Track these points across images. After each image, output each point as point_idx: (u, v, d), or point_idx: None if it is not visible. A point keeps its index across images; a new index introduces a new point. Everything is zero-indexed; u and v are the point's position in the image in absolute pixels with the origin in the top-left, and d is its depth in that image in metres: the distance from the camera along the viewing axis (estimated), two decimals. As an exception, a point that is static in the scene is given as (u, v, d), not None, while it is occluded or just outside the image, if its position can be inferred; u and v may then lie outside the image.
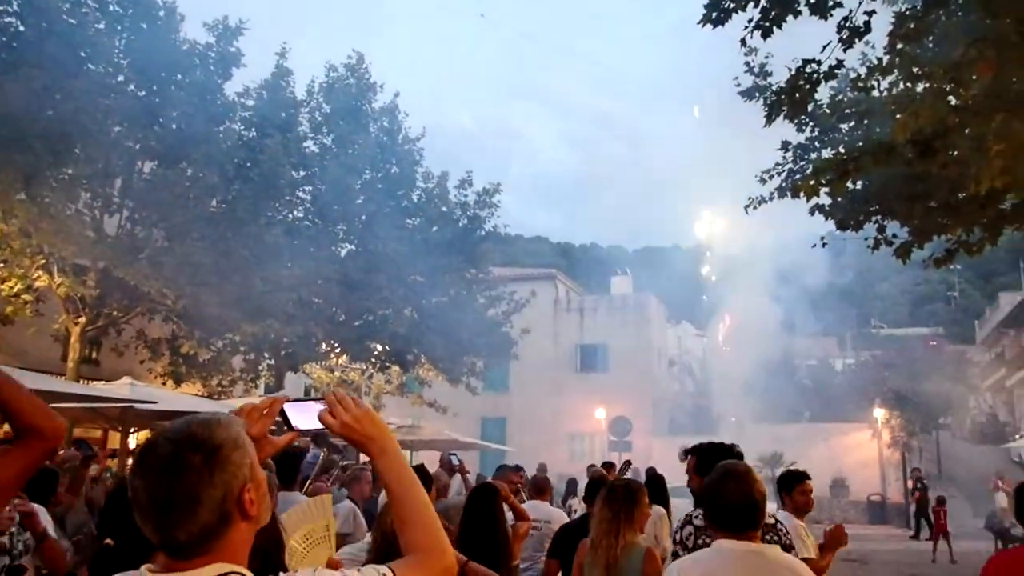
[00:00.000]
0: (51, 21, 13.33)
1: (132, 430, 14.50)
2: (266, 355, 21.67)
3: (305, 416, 1.75)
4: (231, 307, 16.82)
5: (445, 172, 25.07)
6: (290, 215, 21.42)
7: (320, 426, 1.71)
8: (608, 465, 11.95)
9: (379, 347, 23.76)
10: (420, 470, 5.63)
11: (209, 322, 17.52)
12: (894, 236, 11.64)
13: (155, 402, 11.93)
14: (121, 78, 15.74)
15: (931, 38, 8.73)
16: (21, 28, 13.53)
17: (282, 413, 1.77)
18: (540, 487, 7.59)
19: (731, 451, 4.47)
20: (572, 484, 14.08)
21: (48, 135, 13.07)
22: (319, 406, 1.73)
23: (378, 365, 24.46)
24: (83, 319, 16.37)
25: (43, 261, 15.32)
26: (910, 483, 28.54)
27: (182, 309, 17.01)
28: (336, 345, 23.33)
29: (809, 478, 5.64)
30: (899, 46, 8.44)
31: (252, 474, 1.49)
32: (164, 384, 18.70)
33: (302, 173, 21.64)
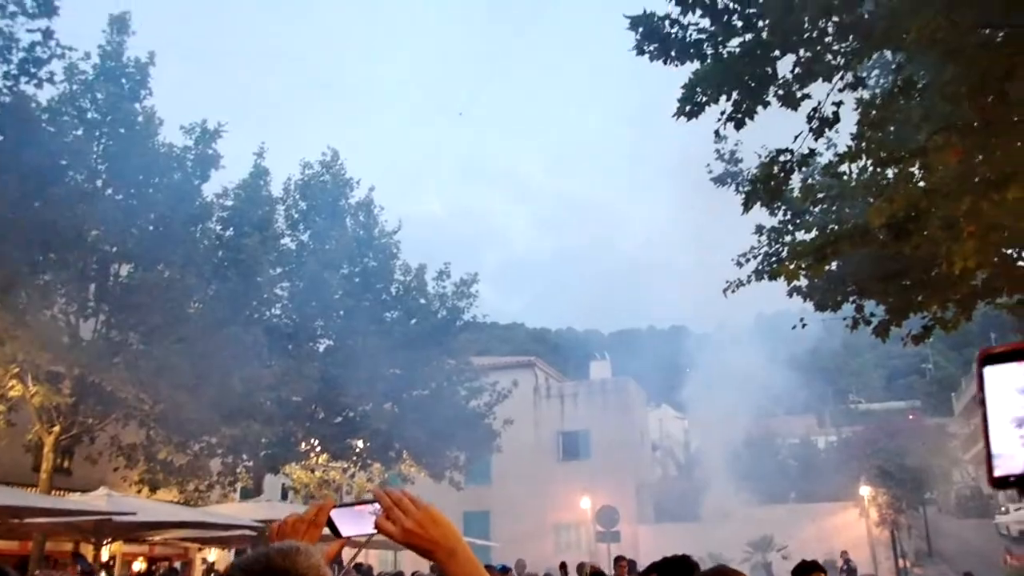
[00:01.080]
0: (30, 130, 13.43)
1: (106, 541, 14.08)
2: (244, 457, 21.23)
3: (354, 522, 1.61)
4: (209, 409, 16.56)
5: (423, 264, 25.23)
6: (268, 312, 21.34)
7: (372, 532, 1.55)
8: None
9: (360, 444, 23.41)
10: None
11: (187, 425, 17.21)
12: (872, 315, 11.82)
13: (134, 513, 11.63)
14: (99, 183, 15.81)
15: (896, 125, 9.02)
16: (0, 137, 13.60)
17: (329, 521, 1.64)
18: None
19: (693, 567, 4.26)
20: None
21: (26, 243, 13.03)
22: (370, 509, 1.56)
23: (359, 463, 24.04)
24: (57, 428, 16.00)
25: (16, 370, 15.05)
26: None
27: (159, 413, 16.71)
28: (316, 444, 22.94)
29: (824, 570, 5.55)
30: (867, 133, 8.70)
31: None
32: (139, 492, 18.22)
33: (279, 270, 21.69)
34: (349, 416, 22.68)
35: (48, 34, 13.31)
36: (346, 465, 24.37)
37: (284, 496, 27.45)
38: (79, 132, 15.45)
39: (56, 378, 15.76)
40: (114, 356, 15.84)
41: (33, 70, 13.27)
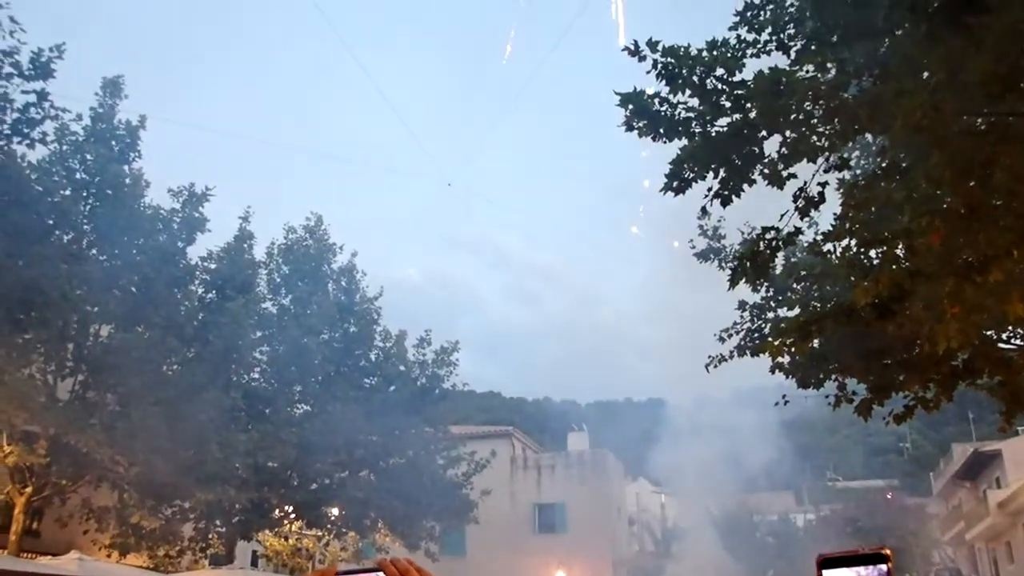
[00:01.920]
0: (20, 189, 13.45)
1: (75, 608, 13.64)
2: (217, 523, 20.79)
3: None
4: (184, 474, 16.28)
5: (403, 331, 25.18)
6: (247, 376, 21.15)
7: None
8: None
9: (335, 512, 23.00)
10: None
11: (161, 489, 16.88)
12: (854, 393, 11.89)
13: (105, 578, 11.32)
14: (84, 243, 15.78)
15: (879, 206, 9.22)
16: (-12, 195, 13.60)
17: None
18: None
19: None
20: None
21: (8, 301, 12.93)
22: None
23: (334, 531, 23.59)
24: (29, 488, 15.66)
25: (-9, 428, 14.81)
26: None
27: (133, 476, 16.40)
28: (290, 511, 22.51)
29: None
30: (850, 214, 8.89)
31: None
32: (109, 555, 17.75)
33: (260, 334, 21.58)
34: (325, 483, 22.31)
35: (43, 96, 13.46)
36: (320, 533, 23.90)
37: (255, 563, 26.82)
38: (67, 192, 15.46)
39: (31, 438, 15.48)
40: (90, 417, 15.59)
41: (26, 130, 13.37)
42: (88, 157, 16.15)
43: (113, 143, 16.67)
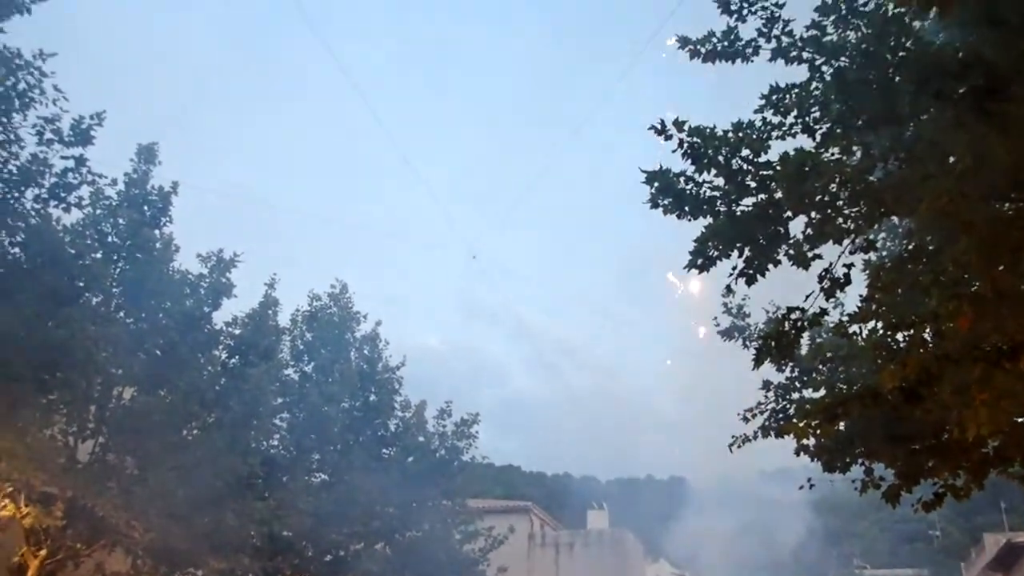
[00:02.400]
0: (52, 252, 13.69)
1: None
2: (229, 592, 20.49)
3: None
4: (199, 540, 16.13)
5: (423, 401, 25.10)
6: (265, 443, 21.09)
7: None
8: None
9: (349, 585, 22.63)
10: None
11: (175, 556, 16.71)
12: (881, 479, 11.64)
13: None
14: (113, 305, 15.98)
15: (906, 289, 9.17)
16: (21, 256, 13.83)
17: None
18: None
19: None
20: None
21: (35, 363, 13.05)
22: None
23: (347, 605, 23.16)
24: (44, 551, 15.56)
25: (11, 489, 14.79)
26: None
27: (148, 542, 16.26)
28: (303, 582, 22.18)
29: None
30: (876, 296, 8.83)
31: None
32: (120, 623, 17.51)
33: (280, 400, 21.60)
34: (340, 555, 22.01)
35: (81, 161, 13.79)
36: (333, 607, 23.46)
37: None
38: (98, 255, 15.72)
39: (49, 499, 15.45)
40: (108, 480, 15.57)
41: (63, 195, 13.68)
42: (120, 221, 16.45)
43: (145, 208, 16.99)
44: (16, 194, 13.27)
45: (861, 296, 9.46)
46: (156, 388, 16.21)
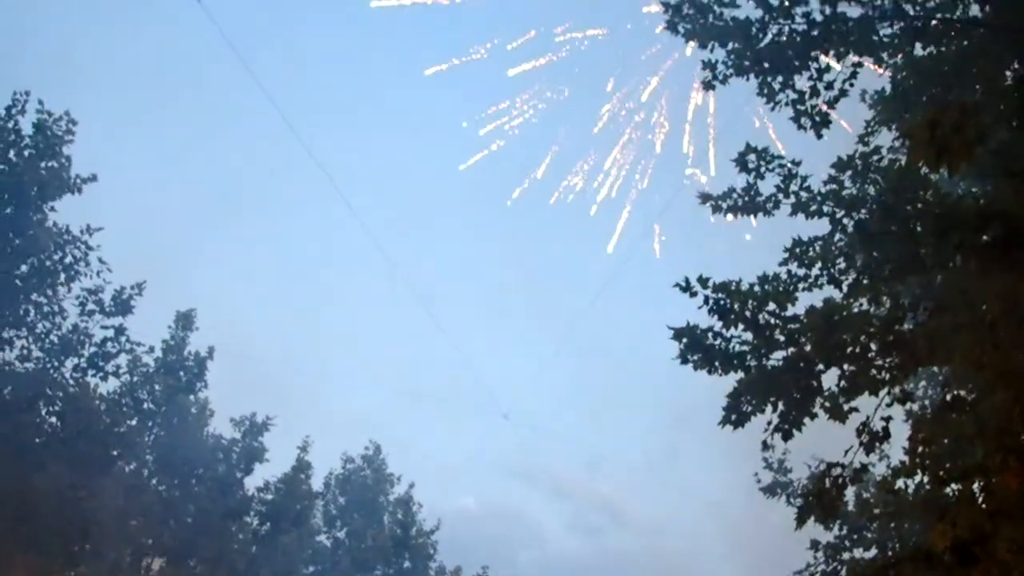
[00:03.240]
0: (89, 420, 13.80)
1: None
2: None
3: None
4: None
5: (458, 567, 24.34)
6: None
7: None
8: None
9: None
10: None
11: None
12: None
13: None
14: (145, 473, 15.93)
15: (949, 439, 8.85)
16: (58, 425, 13.95)
17: None
18: None
19: None
20: None
21: (66, 533, 12.93)
22: None
23: None
24: None
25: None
26: None
27: None
28: None
29: None
30: (919, 449, 8.53)
31: None
32: None
33: (312, 568, 21.06)
34: None
35: (120, 331, 14.15)
36: None
37: None
38: (133, 422, 15.83)
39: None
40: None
41: (101, 364, 13.93)
42: (157, 387, 16.65)
43: (181, 373, 17.21)
44: (56, 363, 13.56)
45: (904, 448, 9.15)
46: (186, 558, 15.93)
